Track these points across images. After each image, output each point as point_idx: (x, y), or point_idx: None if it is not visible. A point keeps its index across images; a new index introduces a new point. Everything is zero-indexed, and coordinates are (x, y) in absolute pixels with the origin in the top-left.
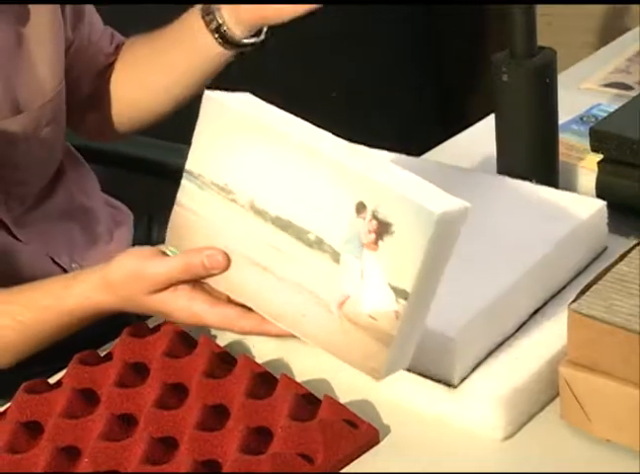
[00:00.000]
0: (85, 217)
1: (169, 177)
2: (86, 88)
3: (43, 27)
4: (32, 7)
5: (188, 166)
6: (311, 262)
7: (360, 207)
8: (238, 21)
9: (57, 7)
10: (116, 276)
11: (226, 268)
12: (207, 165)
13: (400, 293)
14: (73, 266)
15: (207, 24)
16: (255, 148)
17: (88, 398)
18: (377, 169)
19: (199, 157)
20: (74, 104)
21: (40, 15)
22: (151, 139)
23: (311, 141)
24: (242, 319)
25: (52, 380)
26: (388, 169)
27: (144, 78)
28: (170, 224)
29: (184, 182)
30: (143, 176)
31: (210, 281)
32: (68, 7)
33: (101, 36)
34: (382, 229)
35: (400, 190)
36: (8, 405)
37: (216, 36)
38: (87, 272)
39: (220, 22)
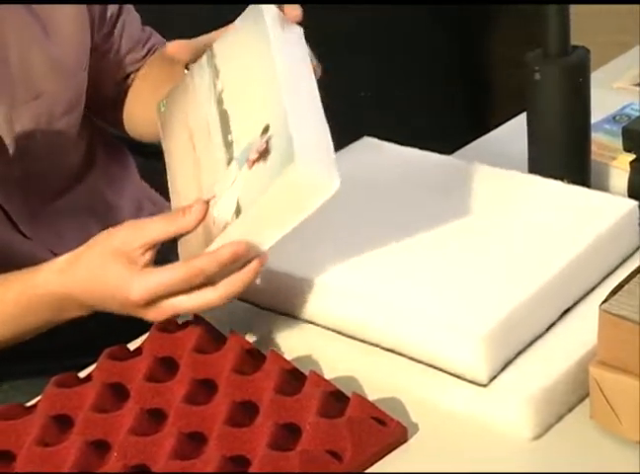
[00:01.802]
0: (107, 212)
1: None
2: (107, 91)
3: (67, 17)
4: None
5: (214, 44)
6: (216, 158)
7: (265, 129)
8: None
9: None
10: (87, 245)
11: (199, 218)
12: (223, 48)
13: (237, 211)
14: None
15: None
16: (252, 56)
17: (118, 392)
18: (303, 114)
19: (224, 40)
20: (96, 101)
21: (64, 7)
22: None
23: (285, 64)
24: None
25: (82, 374)
26: (315, 121)
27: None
28: (175, 85)
29: (204, 55)
30: None
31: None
32: (97, 9)
33: (134, 43)
34: (264, 154)
35: (296, 133)
36: (38, 398)
37: None
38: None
39: None
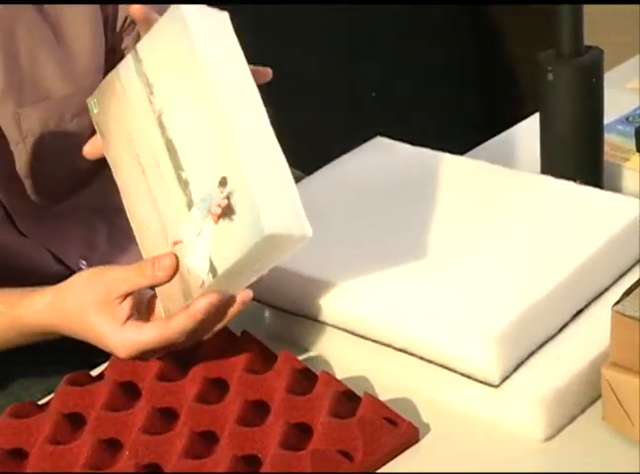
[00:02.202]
0: (115, 217)
1: None
2: None
3: (78, 20)
4: None
5: (138, 46)
6: (173, 194)
7: (223, 182)
8: None
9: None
10: (69, 285)
11: (170, 274)
12: (150, 57)
13: (212, 270)
14: (82, 266)
15: None
16: (185, 74)
17: (130, 391)
18: (259, 158)
19: (149, 45)
20: None
21: (75, 9)
22: None
23: (230, 101)
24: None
25: (94, 373)
26: (271, 161)
27: None
28: (102, 83)
29: (129, 56)
30: None
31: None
32: (110, 12)
33: None
34: (227, 212)
35: (256, 189)
36: (51, 396)
37: None
38: (45, 288)
39: None
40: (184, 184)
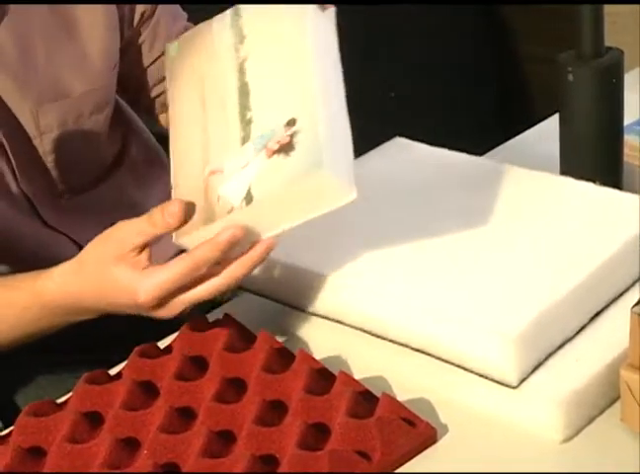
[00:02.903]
0: (132, 212)
1: None
2: (149, 93)
3: (93, 19)
4: None
5: (241, 5)
6: (230, 131)
7: (291, 122)
8: None
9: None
10: (84, 252)
11: (181, 219)
12: (251, 15)
13: (248, 198)
14: None
15: None
16: (282, 34)
17: (148, 390)
18: (331, 115)
19: (254, 11)
20: (140, 102)
21: (89, 9)
22: None
23: (321, 57)
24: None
25: (113, 372)
26: (340, 125)
27: None
28: (189, 32)
29: (227, 11)
30: None
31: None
32: (127, 7)
33: (166, 41)
34: (286, 148)
35: (323, 135)
36: (69, 395)
37: None
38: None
39: None
40: (246, 122)
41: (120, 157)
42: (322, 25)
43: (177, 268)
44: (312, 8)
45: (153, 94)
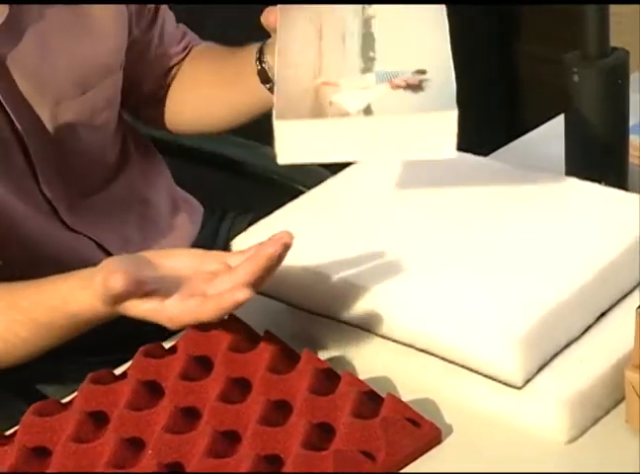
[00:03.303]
0: (143, 209)
1: (246, 176)
2: (147, 86)
3: (108, 15)
4: None
5: None
6: (348, 62)
7: (421, 71)
8: None
9: None
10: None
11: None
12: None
13: (368, 111)
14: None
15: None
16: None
17: (153, 390)
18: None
19: None
20: (134, 98)
21: (105, 5)
22: (233, 137)
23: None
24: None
25: (118, 372)
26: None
27: (205, 93)
28: None
29: None
30: (221, 173)
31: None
32: (134, 7)
33: (171, 38)
34: (414, 87)
35: (454, 94)
36: (74, 395)
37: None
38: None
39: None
40: (368, 58)
41: (123, 155)
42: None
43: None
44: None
45: (146, 89)
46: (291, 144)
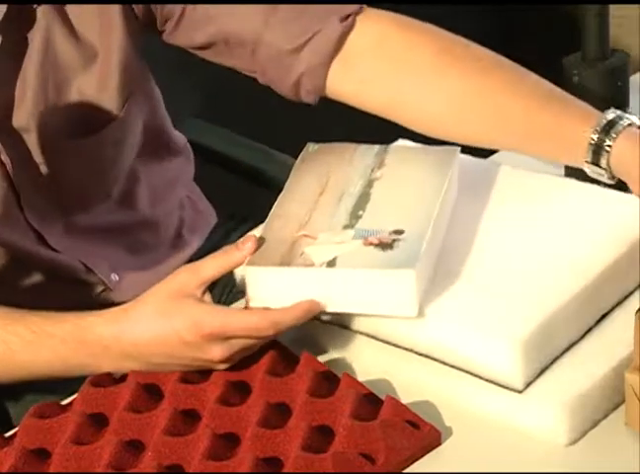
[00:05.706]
0: (136, 231)
1: (262, 183)
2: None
3: (109, 43)
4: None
5: (392, 145)
6: (336, 217)
7: (398, 232)
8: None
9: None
10: (146, 294)
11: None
12: (396, 156)
13: (331, 264)
14: (112, 277)
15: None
16: (423, 174)
17: (152, 393)
18: (433, 247)
19: (401, 151)
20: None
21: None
22: (252, 142)
23: (450, 189)
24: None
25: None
26: (434, 258)
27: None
28: (336, 144)
29: (376, 146)
30: (240, 179)
31: None
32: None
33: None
34: (384, 246)
35: (424, 254)
36: (74, 397)
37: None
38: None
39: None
40: (354, 217)
41: (128, 189)
42: (456, 170)
43: (248, 319)
44: (456, 157)
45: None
46: (261, 289)
